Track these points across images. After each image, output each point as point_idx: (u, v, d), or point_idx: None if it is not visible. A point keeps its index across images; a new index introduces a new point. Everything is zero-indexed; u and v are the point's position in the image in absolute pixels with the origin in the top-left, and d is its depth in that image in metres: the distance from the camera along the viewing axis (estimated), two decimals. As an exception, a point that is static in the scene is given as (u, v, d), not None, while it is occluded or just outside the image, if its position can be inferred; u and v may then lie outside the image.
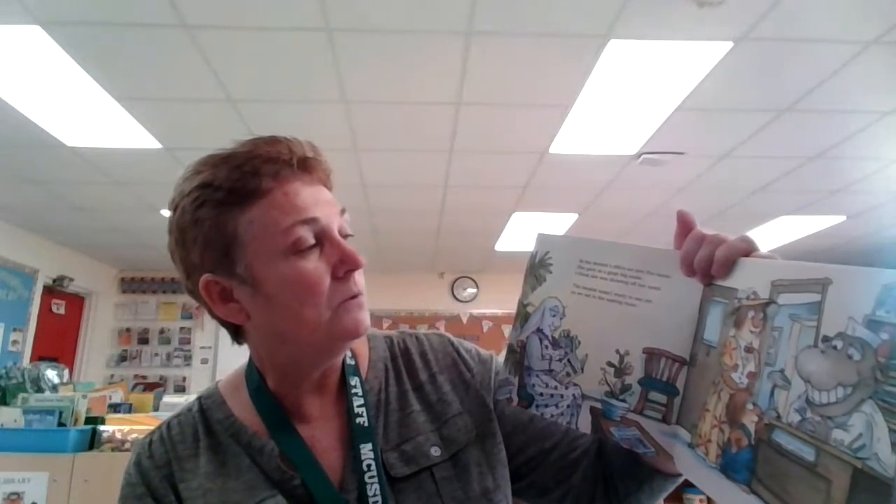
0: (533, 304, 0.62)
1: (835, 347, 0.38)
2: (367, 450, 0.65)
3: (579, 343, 0.59)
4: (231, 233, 0.61)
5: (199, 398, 0.73)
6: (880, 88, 2.92)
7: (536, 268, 0.63)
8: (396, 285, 7.11)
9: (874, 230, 5.31)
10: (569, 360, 0.60)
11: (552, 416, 0.61)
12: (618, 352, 0.58)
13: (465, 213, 4.93)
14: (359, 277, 0.64)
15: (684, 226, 0.56)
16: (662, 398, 0.56)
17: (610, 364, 0.58)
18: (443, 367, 0.75)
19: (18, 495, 1.97)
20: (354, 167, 3.90)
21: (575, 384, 0.60)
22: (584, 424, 0.60)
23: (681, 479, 0.65)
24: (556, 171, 4.00)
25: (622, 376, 0.57)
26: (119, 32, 2.43)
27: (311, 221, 0.61)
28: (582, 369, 0.59)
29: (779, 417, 0.41)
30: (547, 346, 0.61)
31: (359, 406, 0.68)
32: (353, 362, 0.72)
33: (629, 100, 3.04)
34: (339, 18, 2.37)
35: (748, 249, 0.50)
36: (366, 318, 0.64)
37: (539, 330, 0.62)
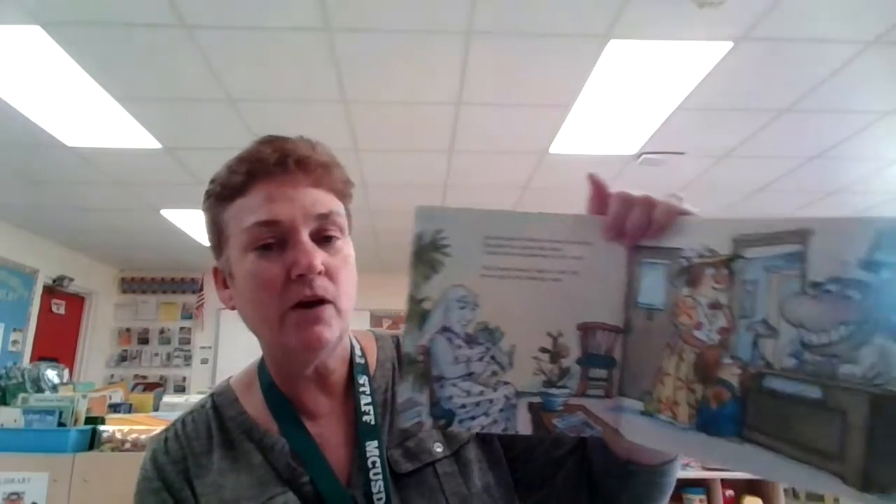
0: (431, 298, 0.51)
1: (828, 291, 0.39)
2: (372, 447, 0.66)
3: (502, 334, 0.51)
4: (220, 226, 0.67)
5: (213, 395, 0.74)
6: (880, 88, 2.92)
7: (426, 251, 0.52)
8: (396, 285, 7.05)
9: (874, 230, 5.31)
10: (492, 357, 0.51)
11: (482, 427, 0.52)
12: (549, 335, 0.52)
13: (465, 213, 4.91)
14: (321, 283, 0.62)
15: (597, 189, 0.54)
16: (603, 373, 0.52)
17: (543, 350, 0.52)
18: None
19: (18, 495, 1.97)
20: (354, 167, 3.90)
21: (505, 382, 0.52)
22: (524, 425, 0.52)
23: (668, 472, 0.62)
24: (556, 171, 4.00)
25: (558, 360, 0.51)
26: (119, 32, 2.43)
27: (269, 223, 0.62)
28: (510, 363, 0.51)
29: (769, 365, 0.42)
30: (460, 346, 0.51)
31: (366, 404, 0.69)
32: (362, 361, 0.73)
33: (629, 100, 3.04)
34: (339, 18, 2.37)
35: (683, 210, 0.49)
36: (323, 330, 0.62)
37: (445, 328, 0.51)
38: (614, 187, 0.54)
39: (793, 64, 2.70)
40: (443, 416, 0.52)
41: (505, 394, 0.52)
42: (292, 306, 0.61)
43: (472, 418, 0.52)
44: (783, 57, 2.64)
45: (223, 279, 0.70)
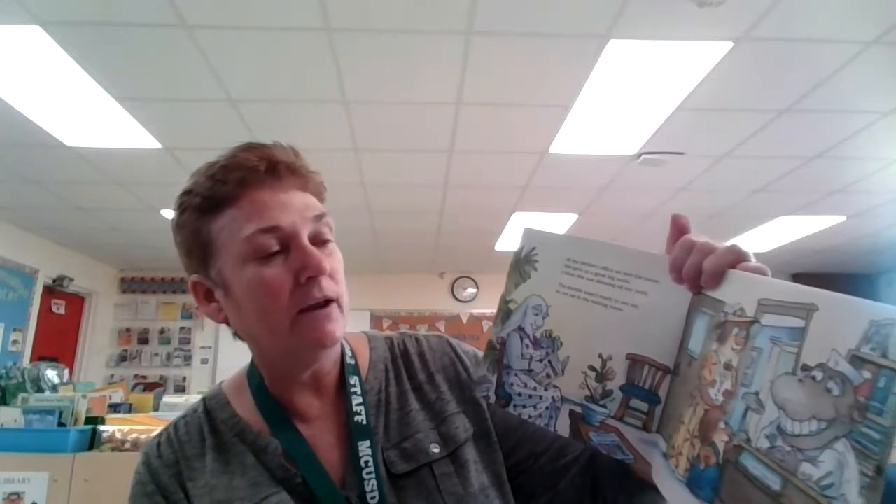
0: (515, 301, 0.60)
1: (813, 378, 0.37)
2: (364, 447, 0.66)
3: (561, 344, 0.58)
4: (206, 238, 0.65)
5: (204, 399, 0.74)
6: (880, 88, 2.92)
7: (521, 263, 0.61)
8: (396, 285, 7.11)
9: (874, 230, 5.31)
10: (549, 362, 0.59)
11: (530, 416, 0.60)
12: (600, 356, 0.56)
13: (465, 213, 4.92)
14: (327, 283, 0.63)
15: (678, 230, 0.55)
16: (644, 406, 0.55)
17: (591, 368, 0.57)
18: (440, 367, 0.76)
19: (18, 495, 1.97)
20: (354, 167, 3.88)
21: (555, 386, 0.59)
22: (563, 428, 0.59)
23: None
24: (556, 171, 4.00)
25: (603, 381, 0.56)
26: (119, 32, 2.43)
27: (273, 230, 0.62)
28: (562, 371, 0.58)
29: (748, 440, 0.41)
30: (528, 346, 0.60)
31: (357, 405, 0.69)
32: (353, 362, 0.73)
33: (629, 100, 3.04)
34: (339, 18, 2.37)
35: (736, 260, 0.49)
36: (335, 328, 0.63)
37: (520, 328, 0.60)
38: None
39: (793, 64, 2.70)
40: (503, 396, 0.62)
41: (552, 395, 0.59)
42: (302, 309, 0.62)
43: (524, 406, 0.61)
44: (783, 57, 2.64)
45: (205, 293, 0.68)
